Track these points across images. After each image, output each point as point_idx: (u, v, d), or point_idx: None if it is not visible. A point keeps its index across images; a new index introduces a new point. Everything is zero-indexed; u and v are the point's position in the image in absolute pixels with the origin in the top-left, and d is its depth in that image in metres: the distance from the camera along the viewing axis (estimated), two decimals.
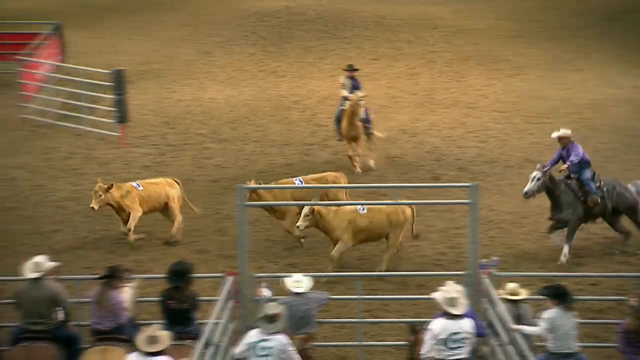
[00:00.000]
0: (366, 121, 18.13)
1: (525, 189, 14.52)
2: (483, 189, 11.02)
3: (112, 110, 20.17)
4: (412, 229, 14.45)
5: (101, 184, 15.20)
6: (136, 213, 15.34)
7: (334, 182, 15.38)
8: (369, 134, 18.27)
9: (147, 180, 16.00)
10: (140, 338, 9.30)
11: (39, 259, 10.77)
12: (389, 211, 14.17)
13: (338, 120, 18.28)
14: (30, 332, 10.49)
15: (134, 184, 15.68)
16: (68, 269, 13.49)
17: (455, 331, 9.80)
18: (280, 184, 15.42)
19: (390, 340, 11.95)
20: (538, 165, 14.68)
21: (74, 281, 11.93)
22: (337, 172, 15.87)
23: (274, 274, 11.48)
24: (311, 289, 10.85)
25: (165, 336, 9.39)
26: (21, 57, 22.02)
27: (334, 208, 14.24)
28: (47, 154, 19.67)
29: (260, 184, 15.18)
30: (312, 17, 31.32)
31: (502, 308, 10.51)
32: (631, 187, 14.89)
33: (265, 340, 9.83)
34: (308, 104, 22.54)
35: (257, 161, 19.13)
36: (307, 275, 10.97)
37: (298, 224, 14.17)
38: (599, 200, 14.60)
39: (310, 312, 10.72)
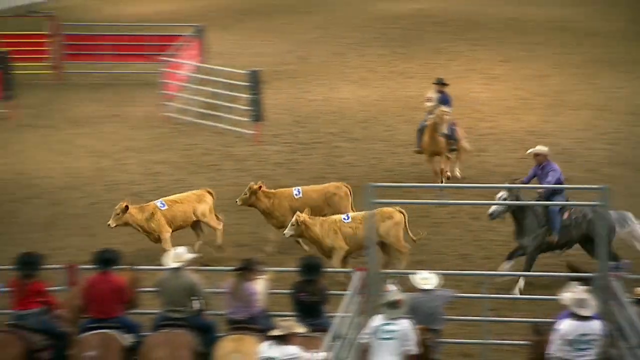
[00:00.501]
0: (450, 137, 17.51)
1: (490, 210, 13.91)
2: (613, 192, 11.09)
3: (248, 110, 20.94)
4: (409, 233, 14.33)
5: (121, 203, 14.89)
6: (166, 235, 14.82)
7: (335, 193, 15.32)
8: (453, 150, 17.71)
9: (172, 197, 15.33)
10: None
11: (180, 249, 11.29)
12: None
13: (420, 132, 17.79)
14: (170, 320, 10.88)
15: (157, 202, 15.06)
16: (206, 260, 14.13)
17: (583, 332, 9.78)
18: (278, 192, 15.39)
19: (516, 340, 11.91)
20: (506, 184, 14.29)
21: (210, 272, 12.61)
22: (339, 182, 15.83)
23: (402, 271, 11.77)
24: (439, 286, 11.05)
25: (297, 327, 9.86)
26: (164, 58, 22.99)
27: (319, 218, 14.29)
28: (187, 151, 20.55)
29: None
30: (442, 19, 31.51)
31: (632, 311, 10.41)
32: (614, 215, 13.80)
33: (390, 324, 10.12)
34: None
35: (385, 160, 19.52)
36: (434, 273, 11.17)
37: (285, 232, 14.32)
38: (556, 240, 13.86)
39: (436, 309, 10.90)
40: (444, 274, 11.66)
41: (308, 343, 10.09)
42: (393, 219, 14.23)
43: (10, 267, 11.04)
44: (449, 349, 12.01)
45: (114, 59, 25.88)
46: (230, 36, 29.97)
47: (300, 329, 9.95)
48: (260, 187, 15.30)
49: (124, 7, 34.89)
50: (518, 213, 13.91)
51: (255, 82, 20.75)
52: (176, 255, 11.15)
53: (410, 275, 11.29)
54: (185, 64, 23.94)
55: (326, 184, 15.83)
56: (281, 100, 23.52)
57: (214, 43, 27.24)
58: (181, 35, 25.54)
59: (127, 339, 10.84)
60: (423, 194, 16.89)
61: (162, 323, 10.99)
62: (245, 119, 20.99)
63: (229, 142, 20.89)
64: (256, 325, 10.83)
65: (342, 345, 10.44)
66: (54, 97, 24.71)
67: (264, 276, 11.42)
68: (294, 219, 14.15)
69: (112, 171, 19.49)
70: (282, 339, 9.78)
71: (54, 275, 11.91)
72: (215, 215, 15.40)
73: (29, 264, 10.85)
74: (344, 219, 14.27)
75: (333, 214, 14.77)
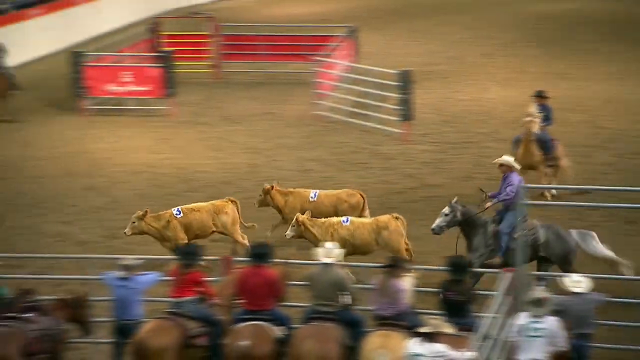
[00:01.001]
0: (547, 151, 17.01)
1: (433, 225, 13.77)
2: None
3: (397, 109, 21.18)
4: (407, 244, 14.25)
5: (139, 212, 14.74)
6: (181, 242, 14.42)
7: (347, 200, 15.23)
8: (551, 166, 17.18)
9: (191, 206, 15.07)
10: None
11: (330, 245, 11.65)
12: (372, 227, 14.21)
13: (515, 143, 17.26)
14: (319, 313, 11.15)
15: (174, 210, 14.80)
16: (355, 257, 14.41)
17: None
18: (295, 192, 15.43)
19: None
20: (454, 199, 13.86)
21: (359, 268, 12.90)
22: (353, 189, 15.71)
23: (552, 273, 11.74)
24: (589, 290, 10.99)
25: (445, 325, 10.01)
26: (318, 58, 23.46)
27: (320, 220, 14.33)
28: (337, 148, 20.95)
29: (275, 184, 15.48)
30: (596, 19, 30.92)
31: None
32: (574, 236, 13.49)
33: (536, 322, 10.18)
34: (589, 106, 22.51)
35: None
36: (585, 276, 11.11)
37: (286, 232, 14.33)
38: (500, 262, 13.32)
39: (587, 312, 10.88)
40: (594, 278, 11.52)
41: (455, 342, 10.16)
42: (388, 228, 14.23)
43: (173, 257, 11.61)
44: (600, 354, 11.85)
45: (269, 58, 26.57)
46: (381, 37, 30.27)
47: (448, 328, 10.09)
48: (272, 187, 15.44)
49: (280, 9, 35.71)
50: (466, 229, 13.67)
51: (405, 81, 20.99)
52: (327, 251, 11.45)
53: (561, 278, 11.27)
54: (337, 63, 24.35)
55: (340, 190, 15.69)
56: (430, 99, 23.65)
57: (366, 43, 27.58)
58: (334, 36, 25.97)
59: (278, 330, 11.19)
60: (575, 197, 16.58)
61: (312, 316, 11.26)
62: (395, 118, 21.24)
63: (378, 140, 21.18)
64: (403, 322, 10.94)
65: (491, 346, 10.48)
66: (212, 95, 25.58)
67: (411, 274, 11.57)
68: (294, 219, 14.30)
69: (265, 167, 20.05)
70: (430, 337, 9.92)
71: (212, 266, 12.49)
72: (243, 223, 15.08)
73: (188, 254, 11.39)
74: (343, 221, 14.36)
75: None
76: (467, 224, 13.72)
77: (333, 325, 11.09)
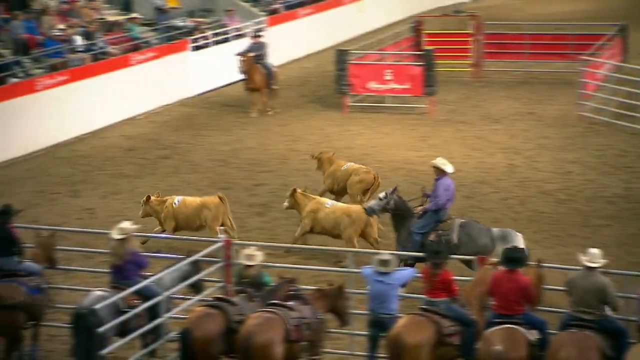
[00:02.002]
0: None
1: (366, 205, 14.35)
2: None
3: None
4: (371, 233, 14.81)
5: (146, 196, 15.64)
6: (167, 229, 15.38)
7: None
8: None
9: (190, 198, 15.77)
10: None
11: (595, 250, 11.14)
12: (340, 214, 15.02)
13: None
14: (579, 320, 10.77)
15: (177, 199, 15.64)
16: (616, 264, 13.91)
17: None
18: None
19: None
20: (393, 188, 14.15)
21: (621, 276, 12.40)
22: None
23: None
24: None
25: None
26: (585, 57, 22.85)
27: (313, 197, 15.53)
28: (601, 151, 20.29)
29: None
30: None
31: None
32: (494, 234, 13.68)
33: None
34: None
35: None
36: None
37: (284, 203, 15.53)
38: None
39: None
40: None
41: None
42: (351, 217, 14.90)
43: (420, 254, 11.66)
44: None
45: (532, 57, 26.14)
46: None
47: None
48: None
49: (545, 7, 35.04)
50: (396, 221, 14.10)
51: None
52: (591, 256, 11.06)
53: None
54: (605, 63, 23.55)
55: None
56: None
57: (635, 42, 26.48)
58: (602, 35, 25.15)
59: (533, 334, 10.97)
60: None
61: (571, 323, 10.93)
62: None
63: None
64: None
65: None
66: (471, 94, 25.46)
67: None
68: (290, 191, 15.59)
69: (524, 168, 19.75)
70: None
71: (463, 265, 12.42)
72: (230, 220, 15.67)
73: (438, 253, 11.39)
74: (327, 204, 15.41)
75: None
76: (397, 216, 14.12)
77: (593, 334, 10.74)
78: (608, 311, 10.92)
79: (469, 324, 11.21)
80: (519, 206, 17.52)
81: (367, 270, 11.68)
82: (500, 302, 10.97)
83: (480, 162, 20.17)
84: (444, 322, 11.11)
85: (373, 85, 24.05)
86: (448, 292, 11.19)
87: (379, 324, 11.45)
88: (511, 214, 17.06)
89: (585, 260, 11.01)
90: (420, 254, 12.74)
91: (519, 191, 18.35)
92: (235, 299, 11.49)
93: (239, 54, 24.05)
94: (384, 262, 11.53)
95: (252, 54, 23.89)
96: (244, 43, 25.12)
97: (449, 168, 14.02)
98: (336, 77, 24.31)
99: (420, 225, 13.88)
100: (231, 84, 26.74)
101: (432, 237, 13.76)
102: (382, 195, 14.24)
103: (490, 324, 10.96)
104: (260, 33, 25.32)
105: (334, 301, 11.63)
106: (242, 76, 24.11)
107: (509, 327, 10.83)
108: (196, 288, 12.37)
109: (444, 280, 11.20)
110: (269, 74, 24.09)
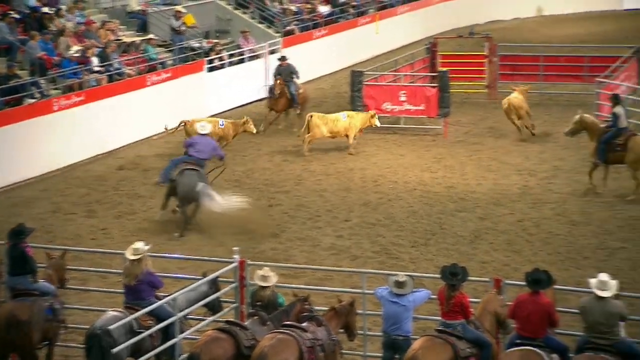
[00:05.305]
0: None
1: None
2: None
3: None
4: None
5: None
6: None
7: None
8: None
9: (230, 121, 22.13)
10: None
11: (605, 277, 11.17)
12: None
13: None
14: (594, 344, 10.70)
15: (220, 120, 21.88)
16: (631, 287, 13.73)
17: None
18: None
19: None
20: None
21: (637, 299, 12.32)
22: None
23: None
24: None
25: None
26: (600, 79, 22.82)
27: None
28: (616, 173, 19.96)
29: None
30: None
31: None
32: (198, 189, 17.17)
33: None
34: None
35: None
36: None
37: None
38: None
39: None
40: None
41: None
42: None
43: (436, 276, 11.63)
44: None
45: (547, 79, 26.13)
46: None
47: None
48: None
49: (560, 29, 35.00)
50: None
51: None
52: (601, 283, 10.91)
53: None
54: (620, 85, 23.50)
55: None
56: None
57: None
58: (618, 57, 25.12)
59: (552, 358, 10.89)
60: None
61: (587, 346, 10.87)
62: None
63: None
64: None
65: None
66: (485, 115, 25.45)
67: None
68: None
69: (539, 189, 19.68)
70: None
71: (478, 287, 12.35)
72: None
73: (455, 275, 11.29)
74: (343, 117, 22.14)
75: None
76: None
77: (609, 357, 10.66)
78: (622, 332, 10.82)
79: (486, 345, 11.16)
80: (534, 228, 17.47)
81: (381, 291, 11.63)
82: (523, 325, 10.89)
83: (495, 184, 20.12)
84: (460, 344, 11.05)
85: (388, 106, 24.08)
86: (464, 314, 11.14)
87: (393, 346, 11.41)
88: (526, 235, 17.00)
89: (595, 287, 10.88)
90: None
91: (534, 213, 18.29)
92: (246, 322, 11.47)
93: (274, 77, 24.67)
94: (400, 284, 11.48)
95: (281, 78, 24.37)
96: (270, 65, 25.45)
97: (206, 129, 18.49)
98: (351, 98, 24.36)
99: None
100: (246, 105, 26.79)
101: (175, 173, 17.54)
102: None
103: (511, 346, 10.90)
104: (285, 56, 25.58)
105: (347, 317, 11.63)
106: (268, 95, 24.77)
107: (527, 350, 10.75)
108: (213, 308, 12.36)
109: (460, 302, 11.15)
110: (293, 99, 24.44)
